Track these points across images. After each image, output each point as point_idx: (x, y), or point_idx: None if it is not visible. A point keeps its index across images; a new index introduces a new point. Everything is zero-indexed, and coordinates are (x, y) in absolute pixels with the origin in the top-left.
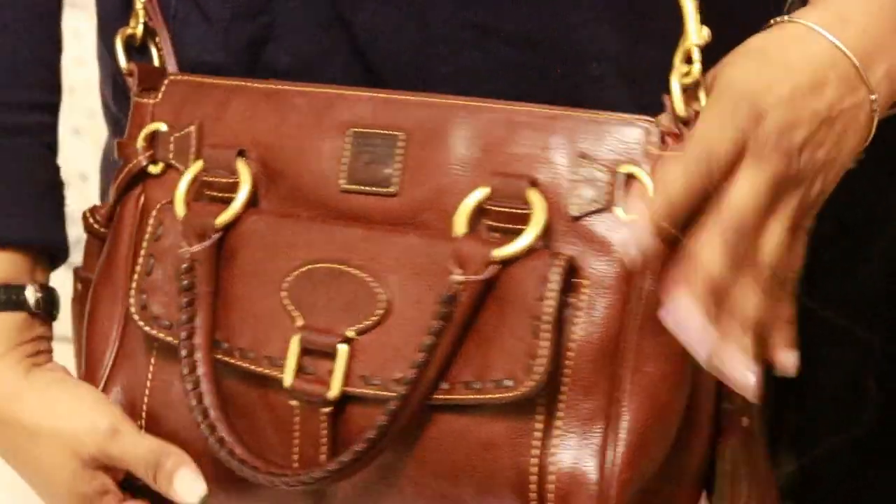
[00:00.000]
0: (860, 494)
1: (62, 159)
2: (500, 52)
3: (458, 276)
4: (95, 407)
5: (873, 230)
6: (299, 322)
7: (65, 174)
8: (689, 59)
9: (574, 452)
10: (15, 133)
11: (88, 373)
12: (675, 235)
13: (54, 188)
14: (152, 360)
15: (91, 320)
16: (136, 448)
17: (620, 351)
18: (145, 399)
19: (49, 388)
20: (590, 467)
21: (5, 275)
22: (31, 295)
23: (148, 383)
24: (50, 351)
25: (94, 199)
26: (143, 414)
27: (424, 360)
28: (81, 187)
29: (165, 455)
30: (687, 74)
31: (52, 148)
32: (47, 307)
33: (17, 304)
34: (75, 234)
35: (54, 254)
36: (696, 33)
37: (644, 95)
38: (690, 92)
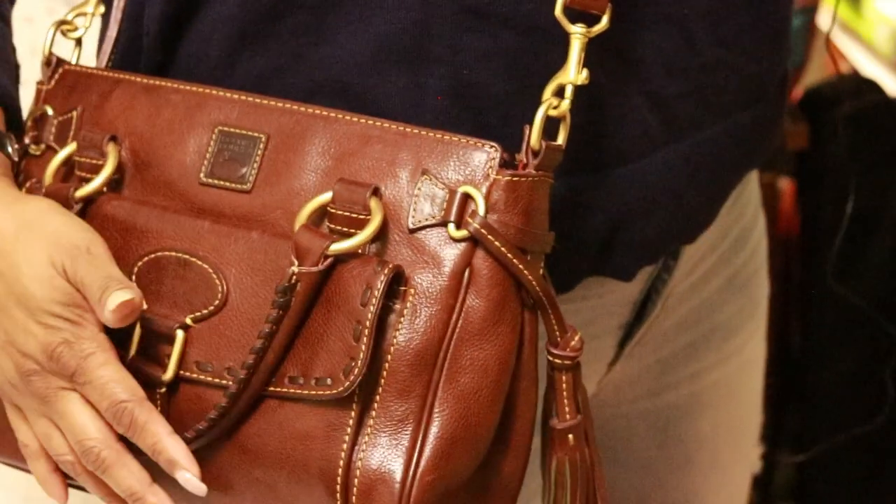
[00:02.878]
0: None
1: None
2: (497, 35)
3: (295, 267)
4: (81, 228)
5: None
6: (143, 306)
7: None
8: (560, 94)
9: (383, 451)
10: None
11: None
12: None
13: (8, 53)
14: None
15: None
16: (101, 269)
17: (438, 360)
18: None
19: (42, 201)
20: (395, 466)
21: None
22: (7, 145)
23: None
24: (11, 177)
25: None
26: None
27: (263, 346)
28: None
29: (122, 282)
30: (556, 108)
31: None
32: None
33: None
34: None
35: (9, 103)
36: (575, 72)
37: (643, 82)
38: (550, 125)
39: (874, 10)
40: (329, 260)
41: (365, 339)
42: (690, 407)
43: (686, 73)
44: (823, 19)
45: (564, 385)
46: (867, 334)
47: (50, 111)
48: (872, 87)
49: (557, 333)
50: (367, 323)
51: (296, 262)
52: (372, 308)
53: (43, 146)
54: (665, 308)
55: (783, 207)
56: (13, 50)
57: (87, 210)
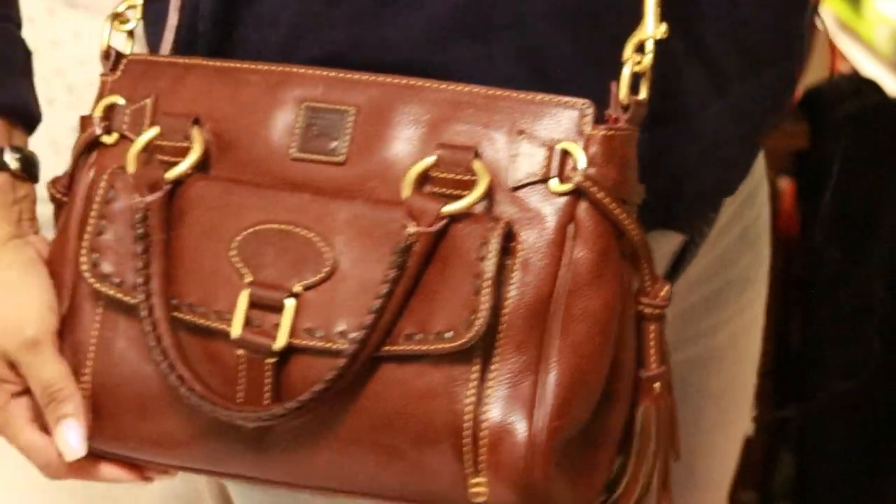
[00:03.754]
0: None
1: (63, 159)
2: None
3: (412, 228)
4: (32, 311)
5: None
6: (248, 278)
7: (60, 173)
8: (640, 49)
9: (506, 403)
10: None
11: None
12: None
13: (19, 56)
14: (97, 318)
15: None
16: (43, 370)
17: (551, 312)
18: (90, 355)
19: (8, 269)
20: (520, 416)
21: None
22: (9, 158)
23: (93, 340)
24: (33, 213)
25: None
26: (89, 370)
27: (381, 306)
28: None
29: (65, 395)
30: (638, 63)
31: (14, 20)
32: (28, 168)
33: None
34: None
35: (28, 119)
36: (654, 26)
37: (694, 38)
38: (636, 81)
39: (874, 11)
40: (444, 220)
41: (485, 291)
42: (704, 363)
43: (729, 28)
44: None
45: (652, 335)
46: (866, 333)
47: (121, 101)
48: (872, 87)
49: (648, 283)
50: (487, 276)
51: (412, 224)
52: (489, 262)
53: (116, 135)
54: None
55: (783, 207)
56: (17, 41)
57: (176, 191)
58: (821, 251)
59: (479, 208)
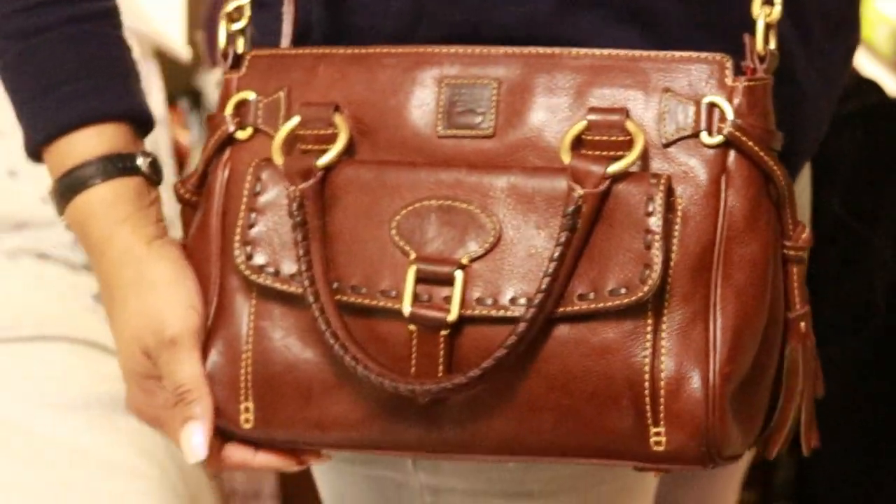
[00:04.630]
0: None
1: None
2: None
3: (579, 191)
4: (175, 310)
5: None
6: (412, 255)
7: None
8: (768, 2)
9: (680, 353)
10: (92, 18)
11: None
12: None
13: (133, 64)
14: (251, 311)
15: None
16: (178, 370)
17: (714, 261)
18: (247, 347)
19: (155, 268)
20: (695, 364)
21: (116, 145)
22: (141, 161)
23: (250, 332)
24: (162, 214)
25: None
26: (247, 361)
27: (555, 269)
28: None
29: (195, 396)
30: (769, 15)
31: (120, 28)
32: (156, 171)
33: (133, 169)
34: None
35: (146, 124)
36: None
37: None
38: (767, 33)
39: (874, 10)
40: (608, 181)
41: (657, 245)
42: None
43: None
44: None
45: (796, 277)
46: (870, 329)
47: (252, 95)
48: (872, 86)
49: (791, 227)
50: (657, 229)
51: (578, 187)
52: (658, 216)
53: (250, 130)
54: None
55: None
56: (125, 45)
57: (326, 177)
58: (821, 250)
59: (635, 168)
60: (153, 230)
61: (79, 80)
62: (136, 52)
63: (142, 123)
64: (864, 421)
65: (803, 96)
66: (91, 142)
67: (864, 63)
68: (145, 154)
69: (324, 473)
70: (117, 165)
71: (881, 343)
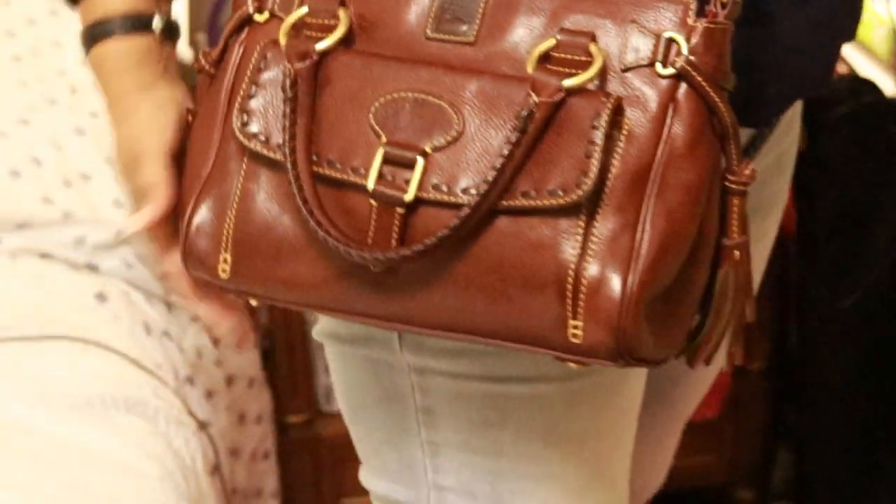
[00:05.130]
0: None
1: (65, 159)
2: None
3: (535, 98)
4: (148, 135)
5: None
6: (383, 138)
7: (67, 174)
8: None
9: (605, 257)
10: None
11: (187, 184)
12: None
13: None
14: (242, 172)
15: (192, 141)
16: (141, 177)
17: (650, 179)
18: (235, 204)
19: (141, 104)
20: (617, 268)
21: (137, 5)
22: (157, 22)
23: (237, 191)
24: (176, 64)
25: (96, 198)
26: (232, 217)
27: (503, 164)
28: (83, 187)
29: (155, 192)
30: None
31: None
32: (170, 29)
33: (147, 27)
34: (76, 234)
35: None
36: None
37: None
38: None
39: (871, 12)
40: (562, 93)
41: (596, 155)
42: None
43: None
44: None
45: (735, 208)
46: (863, 332)
47: None
48: (869, 87)
49: (735, 162)
50: (598, 141)
51: (534, 95)
52: (601, 130)
53: (267, 14)
54: None
55: None
56: None
57: (323, 62)
58: (818, 251)
59: (592, 87)
60: (150, 79)
61: None
62: None
63: None
64: (863, 420)
65: (782, 44)
66: (116, 1)
67: (861, 63)
68: (162, 15)
69: (332, 356)
70: (134, 24)
71: (880, 342)
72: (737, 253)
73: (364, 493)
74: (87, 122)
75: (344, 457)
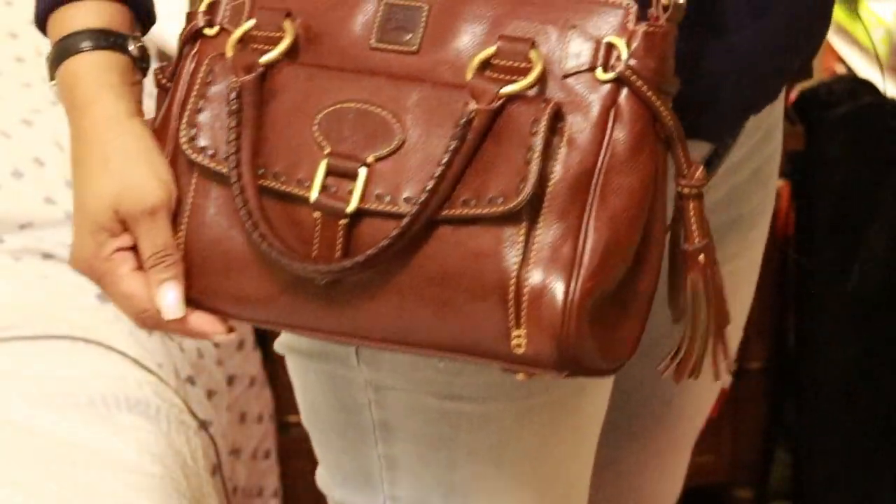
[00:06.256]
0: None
1: (67, 160)
2: None
3: (473, 106)
4: (154, 181)
5: None
6: (327, 150)
7: (69, 175)
8: None
9: (547, 264)
10: None
11: None
12: None
13: None
14: (192, 188)
15: None
16: (158, 236)
17: (592, 185)
18: (185, 219)
19: (136, 140)
20: (560, 275)
21: (112, 23)
22: (132, 45)
23: (188, 206)
24: (141, 100)
25: None
26: (183, 232)
27: (442, 173)
28: None
29: (172, 260)
30: None
31: None
32: (143, 57)
33: (122, 47)
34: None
35: (146, 15)
36: None
37: None
38: None
39: (869, 13)
40: (501, 100)
41: (535, 162)
42: None
43: None
44: None
45: (693, 212)
46: (862, 332)
47: None
48: (867, 88)
49: (685, 166)
50: (536, 149)
51: (473, 102)
52: (540, 136)
53: (217, 28)
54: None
55: (779, 208)
56: None
57: (268, 74)
58: (816, 251)
59: (532, 93)
60: (135, 106)
61: None
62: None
63: (141, 14)
64: (861, 419)
65: (735, 54)
66: (90, 15)
67: (860, 65)
68: (136, 40)
69: (293, 368)
70: (108, 40)
71: (879, 341)
72: (702, 257)
73: None
74: None
75: None
